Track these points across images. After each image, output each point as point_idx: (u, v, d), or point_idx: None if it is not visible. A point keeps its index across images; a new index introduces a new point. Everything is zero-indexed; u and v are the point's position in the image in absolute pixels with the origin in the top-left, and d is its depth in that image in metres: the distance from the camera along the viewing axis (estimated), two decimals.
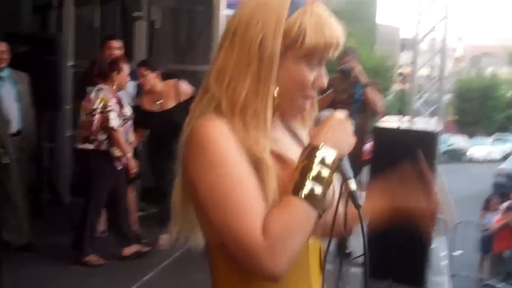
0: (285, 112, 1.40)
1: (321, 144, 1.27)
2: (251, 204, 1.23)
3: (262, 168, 1.28)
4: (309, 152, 1.26)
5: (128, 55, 6.91)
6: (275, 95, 1.33)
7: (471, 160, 29.74)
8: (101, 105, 4.88)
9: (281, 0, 1.33)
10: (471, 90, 31.42)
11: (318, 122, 1.37)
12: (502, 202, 10.64)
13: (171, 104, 5.47)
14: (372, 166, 5.45)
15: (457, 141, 30.54)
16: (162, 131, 5.15)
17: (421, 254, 5.11)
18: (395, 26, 49.02)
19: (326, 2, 1.37)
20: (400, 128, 5.71)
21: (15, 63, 5.56)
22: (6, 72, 5.42)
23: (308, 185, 1.23)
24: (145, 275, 4.85)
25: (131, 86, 5.64)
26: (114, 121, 4.87)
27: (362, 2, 38.13)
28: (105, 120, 4.86)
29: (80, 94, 5.47)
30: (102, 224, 5.45)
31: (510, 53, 22.57)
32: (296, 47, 1.31)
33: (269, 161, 1.29)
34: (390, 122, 6.22)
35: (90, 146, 4.95)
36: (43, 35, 7.20)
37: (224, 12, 6.76)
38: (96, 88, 4.98)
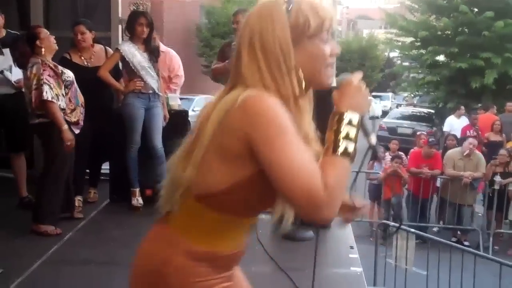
0: (320, 83, 1.71)
1: (347, 110, 1.60)
2: (312, 165, 1.52)
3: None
4: (338, 118, 1.60)
5: (24, 24, 6.88)
6: (302, 77, 1.64)
7: None
8: (34, 81, 4.94)
9: (278, 4, 1.66)
10: (351, 52, 32.49)
11: (339, 85, 1.68)
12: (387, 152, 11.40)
13: (101, 64, 5.83)
14: None
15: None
16: (94, 84, 5.61)
17: None
18: None
19: None
20: None
21: None
22: None
23: (342, 144, 1.56)
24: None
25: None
26: (48, 93, 4.90)
27: None
28: (40, 93, 4.91)
29: None
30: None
31: (385, 16, 23.58)
32: (306, 32, 1.64)
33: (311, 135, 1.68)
34: None
35: (43, 120, 5.01)
36: None
37: None
38: (30, 63, 5.03)
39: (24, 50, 5.05)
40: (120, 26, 7.16)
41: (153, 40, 6.07)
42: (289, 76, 1.62)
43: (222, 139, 1.60)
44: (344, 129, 1.57)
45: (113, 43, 6.90)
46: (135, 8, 5.89)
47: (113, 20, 7.22)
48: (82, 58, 5.89)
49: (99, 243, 5.03)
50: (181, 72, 7.20)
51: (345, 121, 1.58)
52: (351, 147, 1.56)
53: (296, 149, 1.51)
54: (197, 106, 15.82)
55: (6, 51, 5.64)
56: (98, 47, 6.09)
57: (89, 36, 5.88)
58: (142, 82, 5.78)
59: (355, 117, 1.60)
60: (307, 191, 1.49)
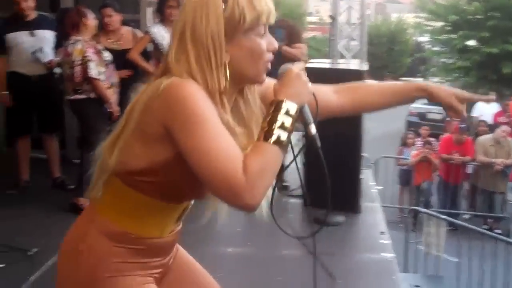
0: (253, 79, 1.67)
1: (284, 99, 1.54)
2: (232, 151, 1.48)
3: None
4: (275, 106, 1.53)
5: (54, 6, 6.89)
6: (228, 73, 1.58)
7: None
8: (79, 57, 5.06)
9: None
10: (379, 36, 32.17)
11: (280, 76, 1.62)
12: (417, 138, 11.31)
13: (129, 46, 5.87)
14: None
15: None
16: (123, 67, 5.70)
17: (354, 183, 5.52)
18: None
19: None
20: (330, 68, 6.08)
21: None
22: None
23: (276, 133, 1.49)
24: None
25: (51, 35, 5.77)
26: (93, 70, 5.05)
27: None
28: (85, 70, 5.04)
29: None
30: None
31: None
32: (241, 25, 1.57)
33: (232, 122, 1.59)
34: (320, 63, 6.57)
35: (80, 96, 5.15)
36: None
37: None
38: (71, 41, 5.13)
39: (76, 22, 5.16)
40: (149, 9, 7.14)
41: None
42: (217, 71, 1.58)
43: (144, 123, 1.58)
44: (280, 119, 1.51)
45: (142, 25, 6.89)
46: None
47: (143, 2, 7.21)
48: (110, 40, 5.89)
49: None
50: None
51: (282, 110, 1.52)
52: (284, 136, 1.50)
53: (214, 135, 1.48)
54: None
55: (38, 32, 5.65)
56: (126, 30, 6.10)
57: (116, 18, 5.91)
58: None
59: (292, 107, 1.54)
60: (223, 174, 1.45)
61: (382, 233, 5.09)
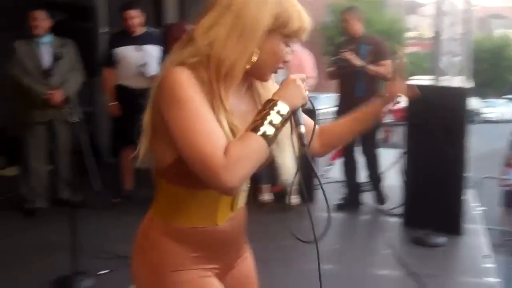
0: (259, 75, 1.79)
1: (277, 99, 1.64)
2: (214, 132, 1.57)
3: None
4: (270, 105, 1.63)
5: (157, 19, 7.12)
6: (253, 60, 1.69)
7: (485, 121, 29.77)
8: None
9: None
10: (482, 51, 31.23)
11: (281, 82, 1.73)
12: None
13: None
14: (408, 122, 5.67)
15: (470, 102, 30.39)
16: None
17: (456, 204, 5.35)
18: None
19: None
20: (433, 85, 5.94)
21: (54, 31, 5.81)
22: (47, 38, 5.70)
23: (264, 127, 1.58)
24: None
25: (156, 50, 5.94)
26: None
27: None
28: None
29: (108, 60, 5.92)
30: None
31: None
32: (282, 29, 1.69)
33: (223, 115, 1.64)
34: (421, 80, 6.43)
35: None
36: (79, 3, 7.38)
37: None
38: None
39: (179, 37, 5.27)
40: None
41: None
42: (242, 54, 1.67)
43: (154, 119, 1.72)
44: (271, 116, 1.61)
45: None
46: None
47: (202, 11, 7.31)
48: None
49: None
50: (313, 73, 7.09)
51: (275, 109, 1.62)
52: (270, 131, 1.59)
53: (197, 118, 1.58)
54: (321, 104, 15.75)
55: (144, 47, 5.85)
56: None
57: None
58: None
59: (284, 108, 1.64)
60: (202, 155, 1.53)
61: (485, 256, 4.91)
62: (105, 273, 4.17)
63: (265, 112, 1.62)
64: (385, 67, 5.72)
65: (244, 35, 1.65)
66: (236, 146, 1.56)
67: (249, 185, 1.89)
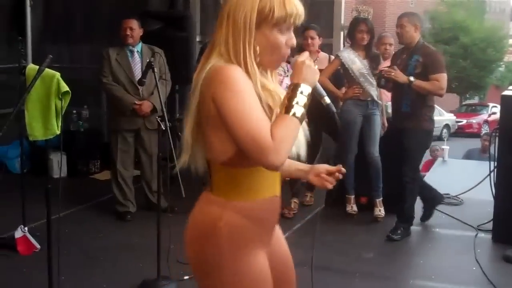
0: (266, 65, 2.00)
1: (299, 82, 1.90)
2: (263, 119, 1.83)
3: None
4: (293, 88, 1.89)
5: None
6: (258, 52, 1.92)
7: None
8: None
9: None
10: None
11: (292, 66, 1.97)
12: None
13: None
14: (500, 134, 5.47)
15: None
16: None
17: None
18: None
19: None
20: None
21: (150, 40, 5.98)
22: (139, 47, 5.86)
23: (294, 108, 1.85)
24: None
25: None
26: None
27: None
28: None
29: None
30: None
31: None
32: (269, 19, 1.90)
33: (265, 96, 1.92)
34: None
35: None
36: (174, 13, 7.59)
37: None
38: None
39: None
40: (342, 33, 7.21)
41: (374, 47, 5.99)
42: (248, 52, 1.90)
43: (204, 110, 1.91)
44: (298, 97, 1.87)
45: (335, 49, 6.99)
46: (356, 15, 5.87)
47: (336, 27, 7.33)
48: None
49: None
50: None
51: (299, 91, 1.88)
52: (299, 111, 1.85)
53: (249, 105, 1.82)
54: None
55: None
56: (323, 55, 6.29)
57: (317, 41, 6.13)
58: (361, 89, 5.74)
59: (306, 89, 1.90)
60: (253, 136, 1.78)
61: None
62: (187, 278, 4.23)
63: (291, 95, 1.87)
64: (431, 83, 5.23)
65: (240, 36, 1.90)
66: (278, 128, 1.81)
67: None
